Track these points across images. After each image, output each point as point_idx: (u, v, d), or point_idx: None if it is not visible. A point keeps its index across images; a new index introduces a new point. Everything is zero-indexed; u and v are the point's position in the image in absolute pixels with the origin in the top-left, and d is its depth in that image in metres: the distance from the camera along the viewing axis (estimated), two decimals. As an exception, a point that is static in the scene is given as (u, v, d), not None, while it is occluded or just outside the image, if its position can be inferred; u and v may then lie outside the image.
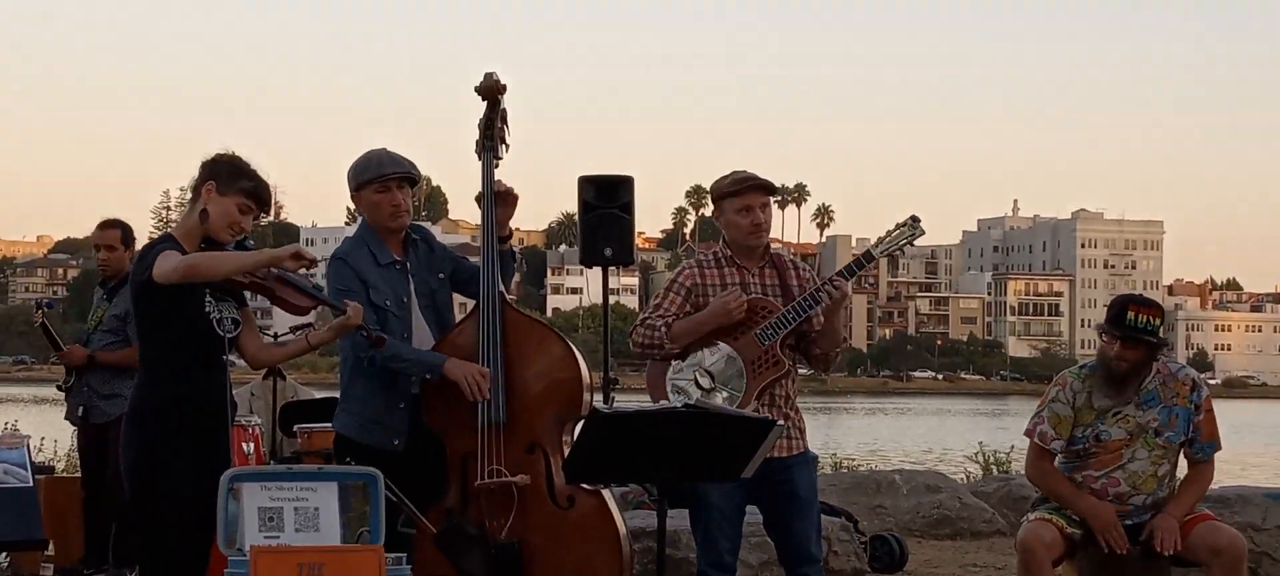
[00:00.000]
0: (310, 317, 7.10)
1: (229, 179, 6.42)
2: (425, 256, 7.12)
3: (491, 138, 7.07)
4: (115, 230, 9.66)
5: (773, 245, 7.12)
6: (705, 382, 6.82)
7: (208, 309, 6.38)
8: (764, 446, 5.95)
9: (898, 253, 7.03)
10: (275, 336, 6.58)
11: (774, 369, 6.77)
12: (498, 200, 7.02)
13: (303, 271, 6.39)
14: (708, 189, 7.12)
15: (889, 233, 6.92)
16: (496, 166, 7.07)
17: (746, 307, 6.79)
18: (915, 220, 6.86)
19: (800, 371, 7.09)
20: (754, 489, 6.80)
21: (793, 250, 7.56)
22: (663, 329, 6.87)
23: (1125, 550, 7.01)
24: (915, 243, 7.04)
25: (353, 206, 7.22)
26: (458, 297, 7.32)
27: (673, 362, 6.92)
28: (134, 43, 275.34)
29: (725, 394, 6.78)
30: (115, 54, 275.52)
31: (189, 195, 6.61)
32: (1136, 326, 6.97)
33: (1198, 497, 7.29)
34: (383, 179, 6.96)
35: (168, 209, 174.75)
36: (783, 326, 6.76)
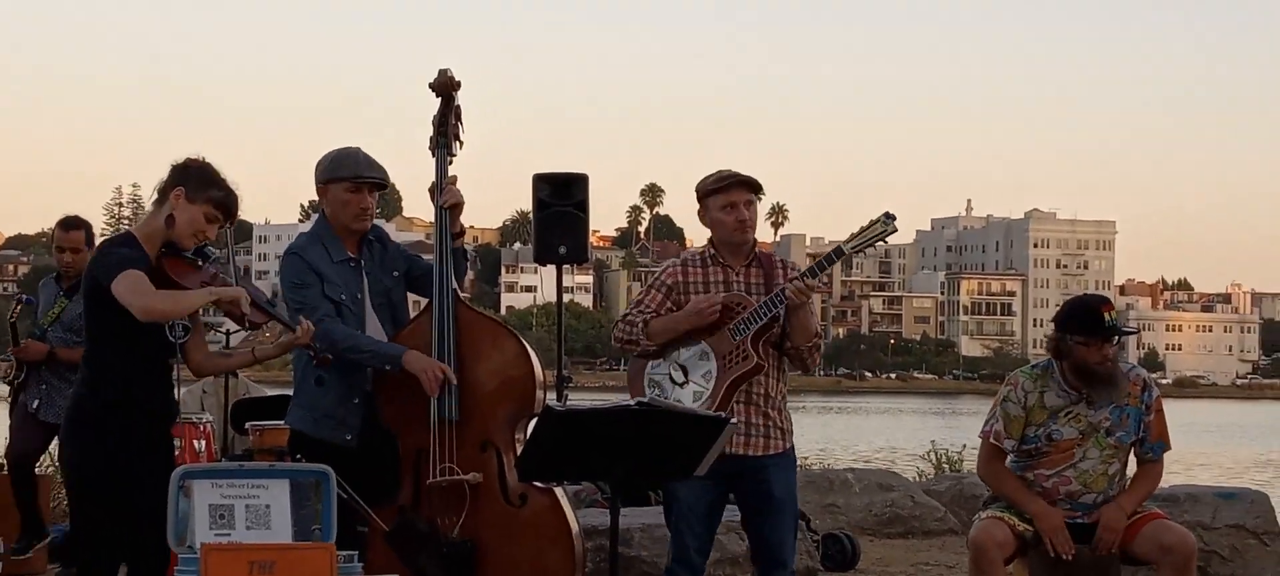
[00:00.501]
0: (263, 332, 7.07)
1: (199, 186, 6.40)
2: (380, 256, 7.13)
3: (445, 134, 7.08)
4: (79, 231, 9.55)
5: (759, 245, 7.12)
6: (678, 377, 6.85)
7: None
8: (717, 444, 5.95)
9: (870, 250, 7.01)
10: (227, 337, 6.55)
11: (743, 363, 6.76)
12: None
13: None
14: (684, 189, 7.14)
15: (862, 229, 6.90)
16: (450, 163, 7.07)
17: (720, 308, 6.79)
18: (889, 217, 6.83)
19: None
20: (731, 486, 6.83)
21: (771, 251, 7.56)
22: (640, 326, 6.89)
23: (1071, 555, 7.04)
24: (887, 239, 7.00)
25: (316, 199, 7.21)
26: (413, 298, 7.32)
27: (651, 359, 6.93)
28: (80, 35, 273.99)
29: (695, 388, 6.78)
30: (59, 46, 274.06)
31: (154, 196, 6.55)
32: (1114, 325, 7.04)
33: (1146, 495, 7.33)
34: (357, 180, 6.96)
35: (119, 205, 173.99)
36: (753, 322, 6.77)
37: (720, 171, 6.97)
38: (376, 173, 7.02)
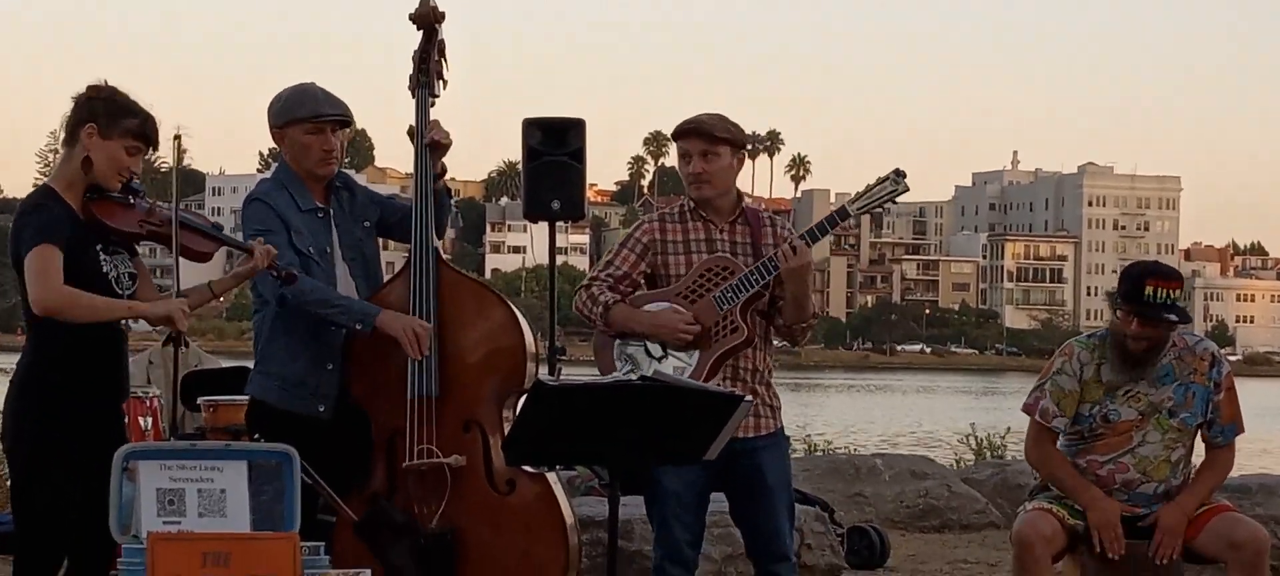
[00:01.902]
0: (216, 271, 7.05)
1: (111, 118, 6.36)
2: (349, 205, 7.11)
3: (427, 72, 7.07)
4: None
5: (748, 200, 7.09)
6: (655, 350, 6.83)
7: (104, 266, 6.36)
8: (730, 425, 5.95)
9: (879, 211, 7.01)
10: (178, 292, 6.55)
11: (732, 336, 6.75)
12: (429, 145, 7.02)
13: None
14: (665, 134, 7.12)
15: (868, 188, 6.90)
16: (432, 105, 7.06)
17: (697, 332, 6.75)
18: (899, 175, 6.84)
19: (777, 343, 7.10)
20: (718, 474, 6.81)
21: (764, 206, 7.51)
22: (601, 309, 6.84)
23: (1118, 555, 7.03)
24: (898, 200, 7.00)
25: (273, 145, 7.19)
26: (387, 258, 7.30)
27: None
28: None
29: (676, 363, 6.77)
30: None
31: (62, 137, 6.52)
32: (1157, 302, 6.98)
33: (1215, 486, 7.33)
34: (318, 119, 6.94)
35: (55, 152, 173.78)
36: (742, 290, 6.75)
37: (690, 117, 6.94)
38: (338, 109, 6.98)
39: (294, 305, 6.81)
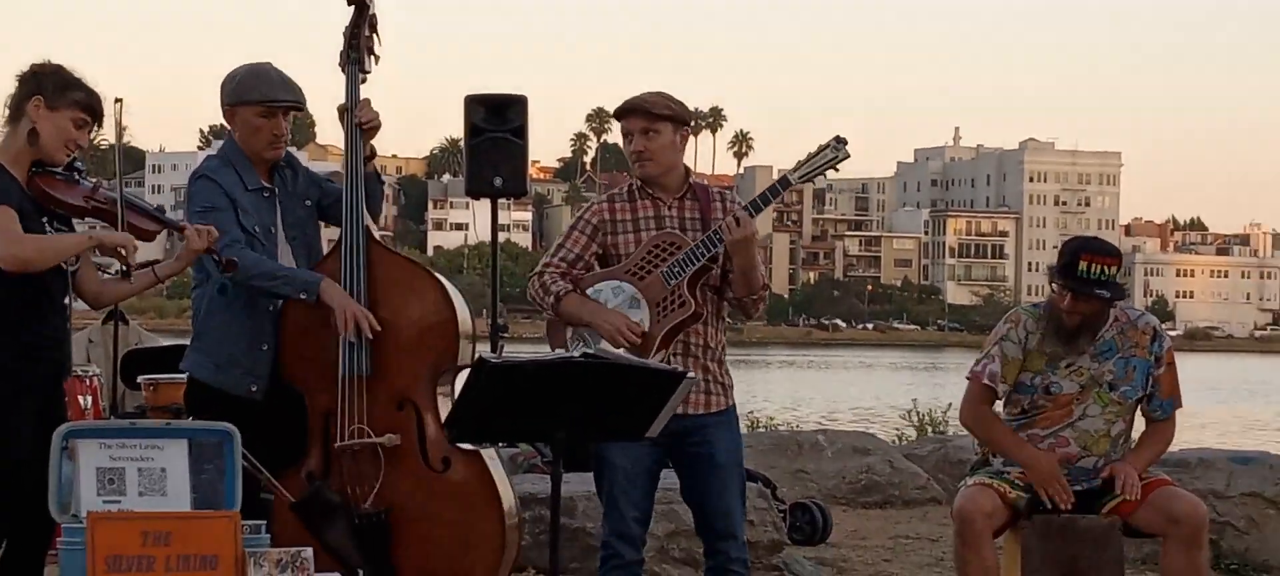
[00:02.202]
0: (157, 252, 7.05)
1: (57, 92, 6.36)
2: (292, 183, 7.10)
3: (357, 49, 7.05)
4: None
5: (695, 176, 7.08)
6: None
7: None
8: (672, 401, 5.95)
9: (819, 178, 6.99)
10: (121, 272, 6.53)
11: (680, 310, 6.74)
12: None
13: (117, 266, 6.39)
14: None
15: (810, 155, 6.88)
16: (363, 82, 7.04)
17: (639, 335, 6.74)
18: (840, 142, 6.82)
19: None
20: (668, 450, 6.81)
21: (707, 180, 7.48)
22: (552, 299, 6.81)
23: (1069, 505, 7.06)
24: (840, 168, 6.98)
25: (217, 123, 7.18)
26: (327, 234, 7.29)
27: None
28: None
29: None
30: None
31: (4, 113, 6.50)
32: (1089, 277, 7.00)
33: (1155, 457, 7.37)
34: (270, 104, 6.92)
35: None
36: (689, 264, 6.73)
37: (632, 96, 6.93)
38: (292, 94, 6.97)
39: (237, 283, 6.79)
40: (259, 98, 6.92)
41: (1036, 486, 7.09)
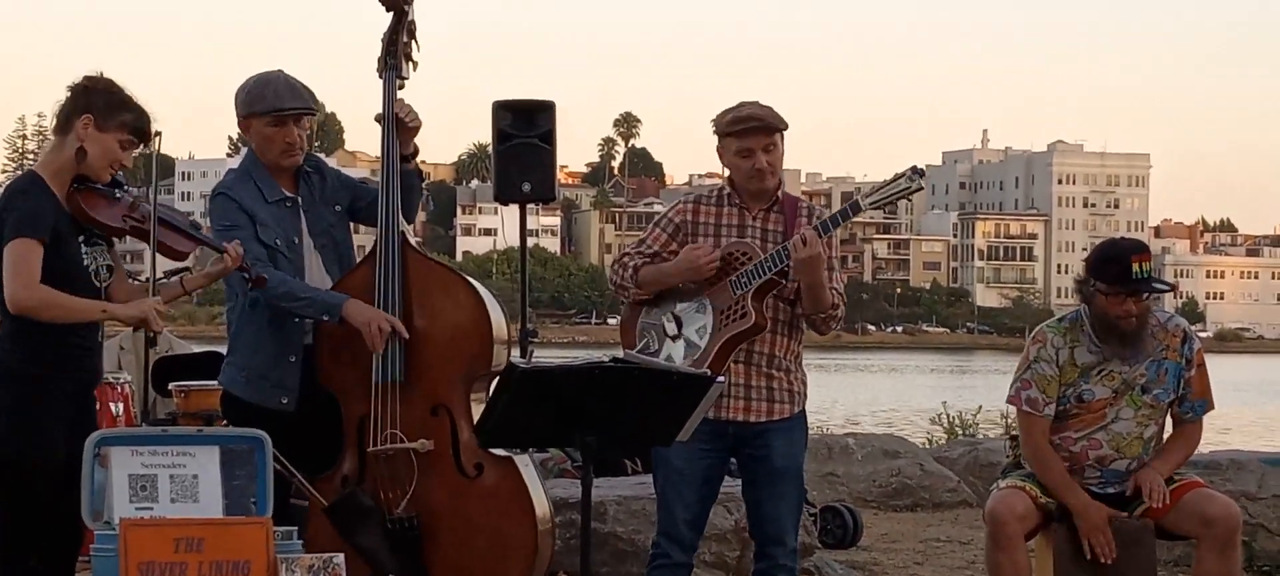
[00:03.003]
0: (188, 261, 7.07)
1: (108, 111, 6.35)
2: (319, 189, 7.08)
3: (395, 54, 7.04)
4: None
5: (785, 188, 7.05)
6: (671, 329, 6.86)
7: (84, 257, 6.34)
8: (702, 406, 5.95)
9: (890, 206, 7.01)
10: (148, 282, 6.55)
11: (740, 321, 6.75)
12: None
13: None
14: (708, 121, 7.01)
15: (885, 183, 6.89)
16: (400, 88, 7.04)
17: (717, 263, 6.76)
18: (917, 172, 6.82)
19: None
20: (732, 455, 6.85)
21: (802, 198, 7.48)
22: (632, 272, 6.88)
23: (1112, 559, 7.04)
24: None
25: (238, 133, 7.17)
26: (360, 242, 7.28)
27: (646, 306, 6.94)
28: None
29: (688, 343, 6.78)
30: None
31: (51, 125, 6.51)
32: (1146, 277, 7.03)
33: (1183, 460, 7.35)
34: (278, 113, 6.91)
35: (23, 137, 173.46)
36: (755, 277, 6.74)
37: (738, 107, 6.89)
38: (299, 100, 6.94)
39: (266, 296, 6.80)
40: (266, 108, 6.90)
41: (1082, 534, 7.07)
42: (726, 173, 7.01)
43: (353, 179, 7.35)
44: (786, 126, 6.90)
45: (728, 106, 6.95)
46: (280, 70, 7.01)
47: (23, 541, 6.32)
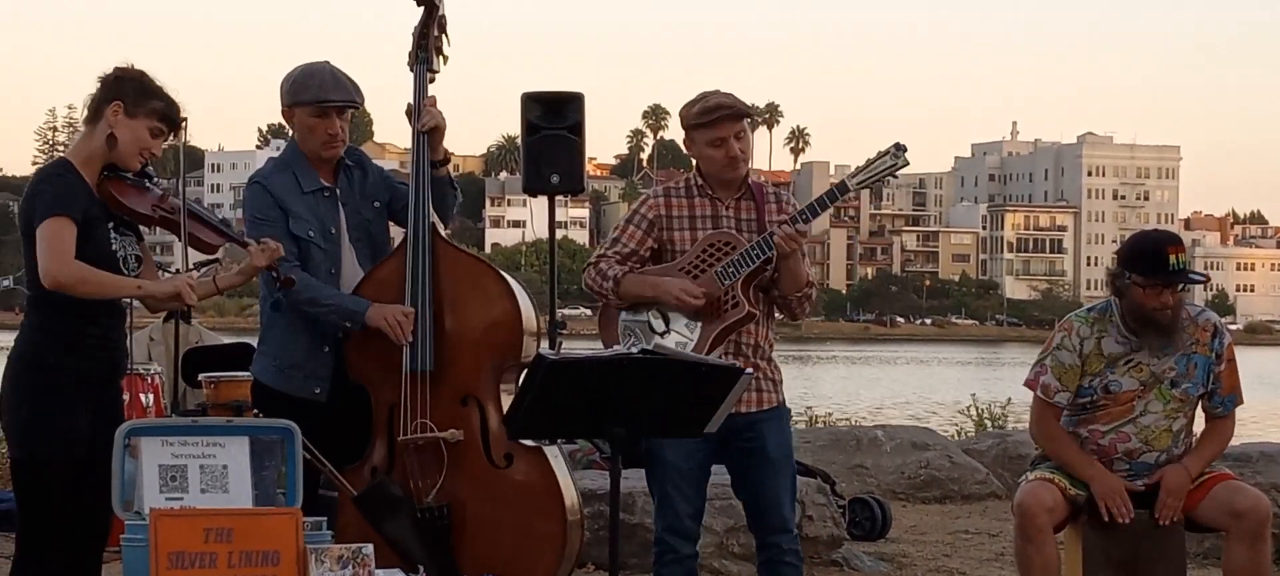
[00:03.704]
0: (218, 254, 7.10)
1: (138, 99, 6.38)
2: (360, 183, 7.10)
3: (426, 48, 7.05)
4: None
5: (753, 174, 7.08)
6: (658, 326, 6.82)
7: (114, 244, 6.36)
8: (730, 398, 5.96)
9: (879, 185, 6.99)
10: (177, 273, 6.58)
11: (733, 311, 6.75)
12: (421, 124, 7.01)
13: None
14: (676, 113, 7.06)
15: (868, 162, 6.87)
16: (432, 81, 7.05)
17: (703, 301, 6.74)
18: (899, 149, 6.80)
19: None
20: (720, 447, 6.82)
21: (764, 178, 7.46)
22: (611, 282, 6.84)
23: (1128, 519, 7.04)
24: (898, 174, 7.00)
25: (274, 122, 7.21)
26: (397, 233, 7.29)
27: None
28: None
29: (678, 338, 6.76)
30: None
31: (82, 115, 6.54)
32: (1182, 268, 7.04)
33: (1216, 455, 7.34)
34: (322, 104, 6.93)
35: (54, 129, 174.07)
36: (743, 265, 6.74)
37: (704, 98, 6.85)
38: (344, 93, 6.96)
39: (291, 300, 6.83)
40: (311, 98, 6.92)
41: (1098, 499, 7.06)
42: (695, 164, 7.00)
43: (393, 178, 7.35)
44: (753, 112, 6.93)
45: (691, 99, 6.95)
46: (327, 61, 7.03)
47: (44, 534, 6.34)
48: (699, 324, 6.75)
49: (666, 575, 6.88)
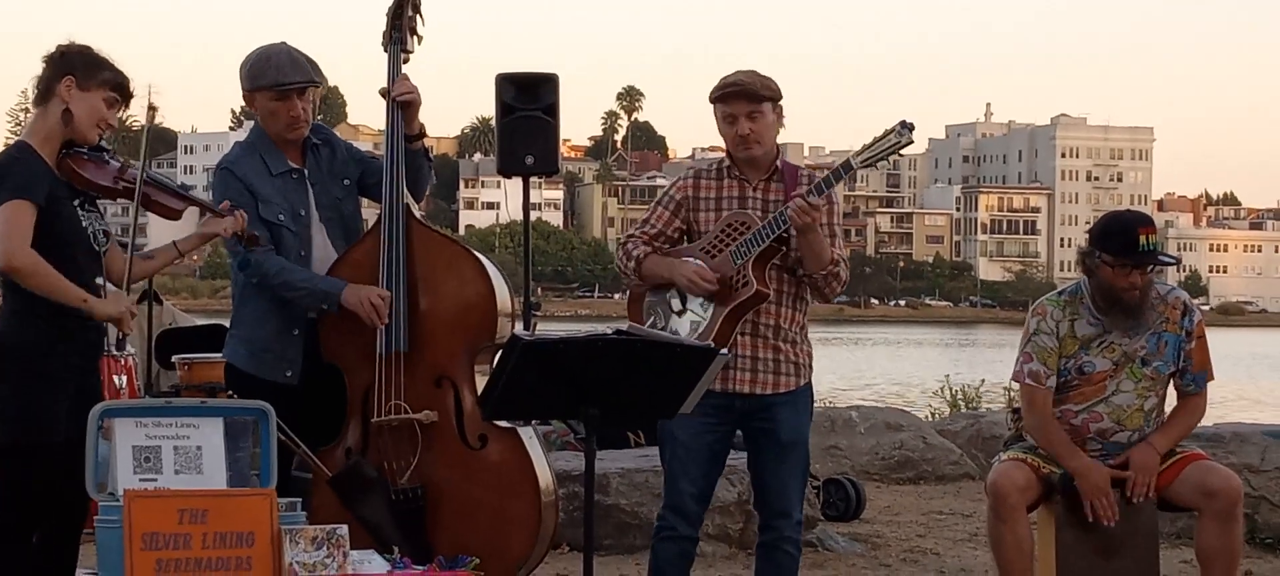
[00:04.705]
0: (187, 229, 7.07)
1: (88, 71, 6.35)
2: (328, 162, 7.09)
3: (400, 28, 7.06)
4: None
5: (785, 159, 7.02)
6: (676, 305, 6.84)
7: (83, 221, 6.34)
8: (705, 378, 5.96)
9: (883, 164, 6.97)
10: (140, 248, 6.55)
11: (742, 291, 6.74)
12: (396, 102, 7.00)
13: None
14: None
15: (874, 139, 6.84)
16: (405, 61, 7.05)
17: (717, 283, 6.74)
18: (905, 126, 6.75)
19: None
20: (739, 427, 6.85)
21: (799, 166, 7.40)
22: (634, 263, 6.86)
23: (1113, 522, 7.05)
24: (904, 153, 6.97)
25: (242, 106, 7.21)
26: (368, 211, 7.28)
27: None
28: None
29: (693, 318, 6.77)
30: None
31: (32, 96, 6.50)
32: (1151, 249, 7.05)
33: (1186, 432, 7.35)
34: (281, 87, 6.92)
35: (25, 110, 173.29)
36: (754, 245, 6.72)
37: (725, 76, 6.89)
38: (302, 73, 6.94)
39: (257, 278, 6.82)
40: (269, 82, 6.92)
41: (1083, 496, 7.07)
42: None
43: (363, 153, 7.34)
44: (776, 96, 6.85)
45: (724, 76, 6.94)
46: (284, 43, 7.01)
47: (25, 519, 6.33)
48: (713, 304, 6.76)
49: (661, 552, 6.90)
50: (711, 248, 6.81)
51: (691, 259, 6.81)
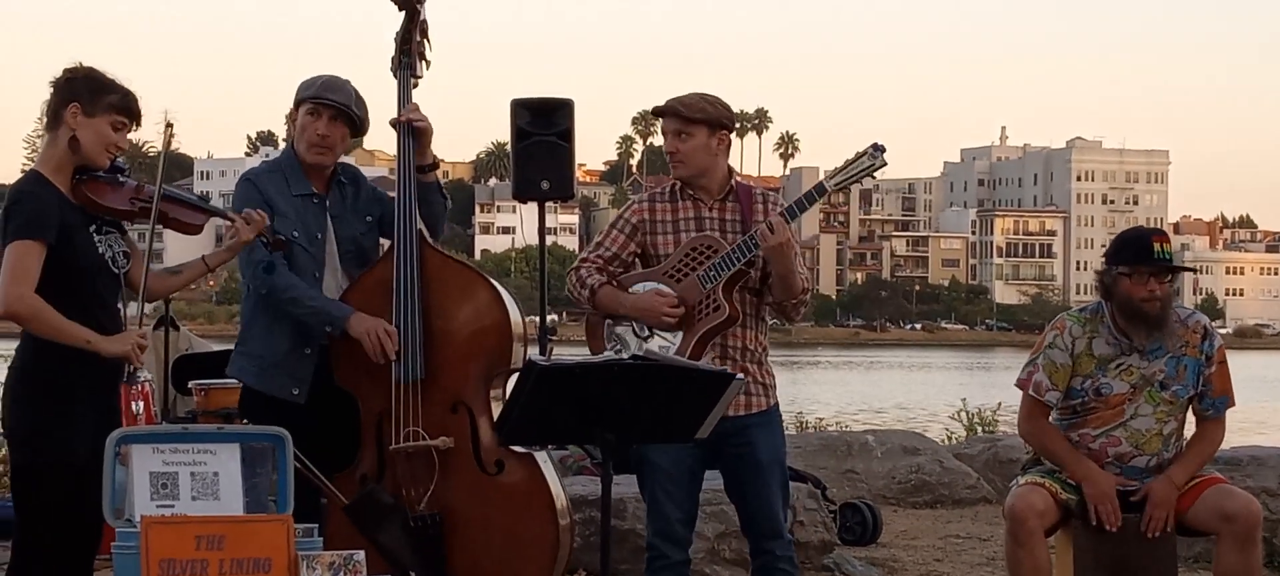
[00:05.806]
0: (208, 244, 7.09)
1: (93, 96, 6.34)
2: (351, 199, 7.13)
3: (408, 53, 7.07)
4: None
5: (739, 177, 7.06)
6: (642, 330, 6.81)
7: (99, 247, 6.34)
8: (721, 403, 5.96)
9: (858, 185, 6.98)
10: (164, 265, 6.56)
11: (715, 314, 6.74)
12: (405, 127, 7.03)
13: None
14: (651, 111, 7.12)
15: (847, 162, 6.86)
16: (415, 86, 7.06)
17: (681, 315, 6.74)
18: (877, 149, 6.80)
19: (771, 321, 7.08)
20: (711, 451, 6.81)
21: (754, 183, 7.45)
22: (589, 291, 6.86)
23: (1117, 527, 7.04)
24: (878, 175, 6.97)
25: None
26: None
27: None
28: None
29: (661, 342, 6.76)
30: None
31: (43, 122, 6.49)
32: (1167, 257, 7.06)
33: (1206, 459, 7.33)
34: (316, 101, 6.95)
35: (42, 137, 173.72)
36: (725, 268, 6.73)
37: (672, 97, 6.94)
38: (340, 97, 6.98)
39: (267, 290, 6.83)
40: (309, 94, 7.00)
41: (1089, 502, 7.06)
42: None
43: (385, 193, 7.36)
44: (717, 122, 6.85)
45: None
46: (347, 80, 7.09)
47: (39, 542, 6.33)
48: (681, 328, 6.75)
49: None
50: (675, 271, 6.80)
51: (650, 283, 6.81)
